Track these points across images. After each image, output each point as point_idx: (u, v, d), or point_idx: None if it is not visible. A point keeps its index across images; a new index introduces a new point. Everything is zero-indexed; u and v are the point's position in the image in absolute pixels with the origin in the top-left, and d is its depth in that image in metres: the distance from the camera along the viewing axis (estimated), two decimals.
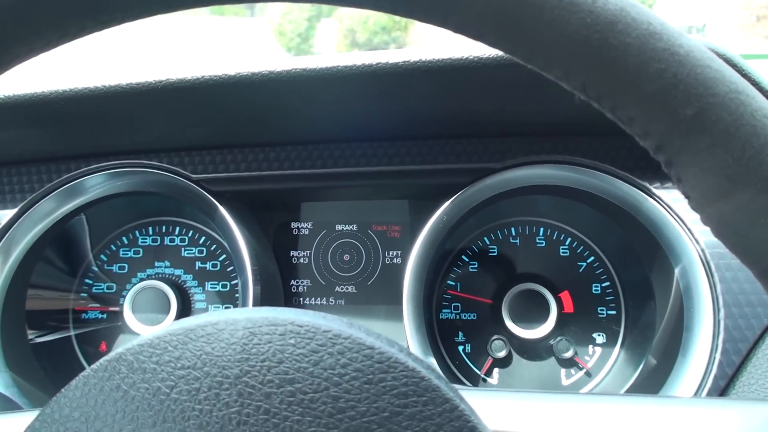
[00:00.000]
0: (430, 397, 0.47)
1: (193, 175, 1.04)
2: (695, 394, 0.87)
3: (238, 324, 0.50)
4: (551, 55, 0.42)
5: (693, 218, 0.93)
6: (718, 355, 0.87)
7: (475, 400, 0.53)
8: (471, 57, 0.83)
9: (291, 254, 1.19)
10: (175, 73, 0.88)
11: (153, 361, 0.50)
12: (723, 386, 0.86)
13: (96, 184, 1.08)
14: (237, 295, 1.16)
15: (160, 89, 0.88)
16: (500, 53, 0.81)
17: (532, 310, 1.13)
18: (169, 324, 0.52)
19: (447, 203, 1.01)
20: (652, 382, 1.00)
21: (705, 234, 0.92)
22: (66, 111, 0.92)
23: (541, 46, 0.41)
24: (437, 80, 0.86)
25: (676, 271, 0.96)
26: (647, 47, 0.40)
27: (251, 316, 0.51)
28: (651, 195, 0.97)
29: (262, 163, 1.04)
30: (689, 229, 0.93)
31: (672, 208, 0.95)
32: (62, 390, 0.51)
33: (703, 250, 0.91)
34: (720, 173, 0.41)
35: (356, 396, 0.47)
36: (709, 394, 0.86)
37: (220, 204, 1.03)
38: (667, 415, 0.52)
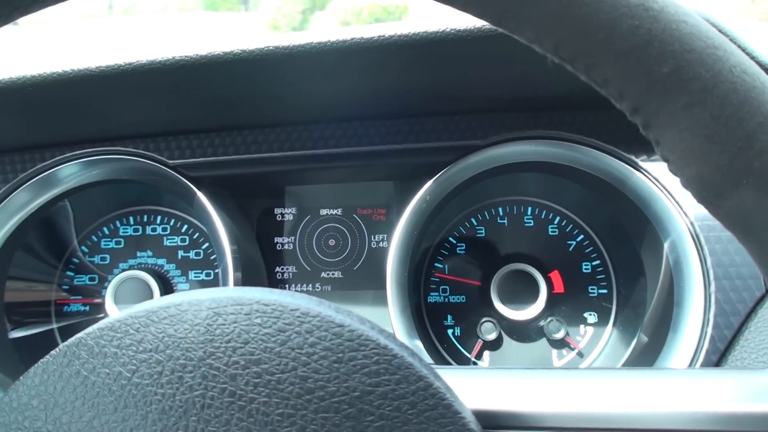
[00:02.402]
0: (403, 375, 0.45)
1: (170, 161, 1.02)
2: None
3: (202, 304, 0.48)
4: (521, 15, 0.40)
5: (681, 191, 0.91)
6: (709, 330, 0.85)
7: (459, 379, 0.51)
8: (447, 30, 0.80)
9: (275, 240, 1.17)
10: (146, 55, 0.85)
11: (114, 345, 0.48)
12: (715, 361, 0.84)
13: (72, 174, 1.06)
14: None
15: (130, 72, 0.85)
16: (478, 25, 0.80)
17: (521, 291, 1.11)
18: (131, 307, 0.50)
19: (429, 183, 0.99)
20: (643, 360, 0.98)
21: (694, 207, 0.90)
22: (35, 98, 0.90)
23: (510, 6, 0.40)
24: (414, 54, 0.84)
25: (666, 245, 0.94)
26: (620, 3, 0.38)
27: (216, 296, 0.49)
28: (638, 168, 0.94)
29: (240, 146, 1.02)
30: (677, 202, 0.91)
31: (659, 181, 0.92)
32: (20, 378, 0.49)
33: (692, 223, 0.89)
34: (699, 133, 0.39)
35: (325, 376, 0.45)
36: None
37: (199, 190, 1.01)
38: (661, 385, 0.51)
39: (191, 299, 0.49)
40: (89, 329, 0.49)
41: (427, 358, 0.95)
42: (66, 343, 0.49)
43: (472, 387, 0.52)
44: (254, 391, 0.45)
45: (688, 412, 0.48)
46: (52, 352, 0.49)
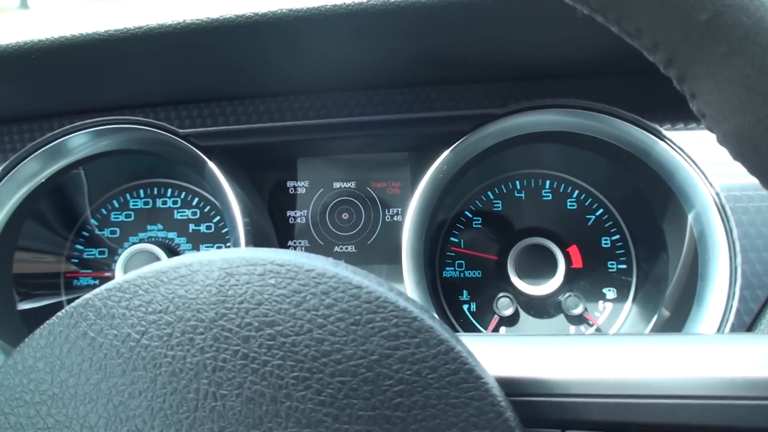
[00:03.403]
0: (423, 338, 0.43)
1: (181, 130, 1.00)
2: None
3: (214, 264, 0.46)
4: None
5: (706, 161, 0.88)
6: (735, 303, 0.83)
7: (481, 345, 0.49)
8: None
9: (287, 214, 1.15)
10: (155, 18, 0.83)
11: (122, 306, 0.46)
12: None
13: (81, 144, 1.04)
14: None
15: (139, 36, 0.83)
16: None
17: (539, 265, 1.09)
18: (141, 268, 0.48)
19: (446, 153, 0.96)
20: None
21: (720, 177, 0.87)
22: (43, 64, 0.88)
23: None
24: (432, 17, 0.81)
25: (690, 217, 0.91)
26: None
27: (228, 256, 0.47)
28: (661, 138, 0.91)
29: (251, 115, 1.00)
30: (703, 172, 0.88)
31: (684, 151, 0.90)
32: (26, 339, 0.48)
33: (717, 194, 0.86)
34: (739, 84, 0.37)
35: (342, 338, 0.43)
36: None
37: (210, 160, 0.99)
38: (688, 351, 0.48)
39: (202, 259, 0.47)
40: (97, 290, 0.48)
41: None
42: (73, 304, 0.48)
43: (494, 353, 0.50)
44: (268, 354, 0.43)
45: (717, 377, 0.46)
46: (59, 313, 0.47)
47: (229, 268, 0.46)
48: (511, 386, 0.47)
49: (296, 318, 0.44)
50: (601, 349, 0.50)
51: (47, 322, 0.47)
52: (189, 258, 0.47)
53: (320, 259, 0.47)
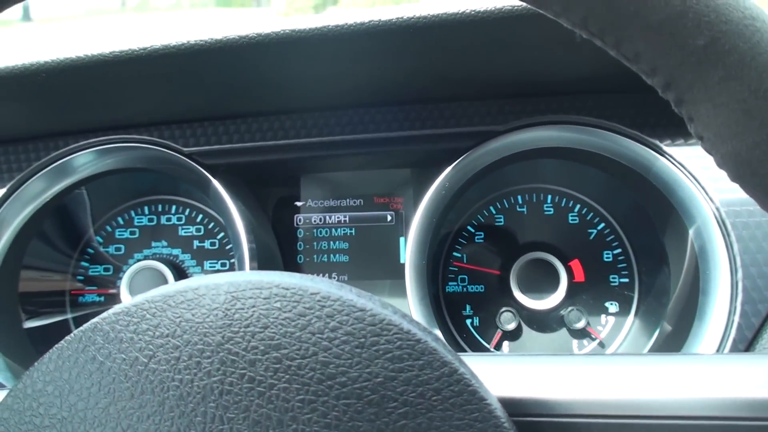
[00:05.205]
0: (426, 360, 0.44)
1: (185, 149, 1.01)
2: None
3: (220, 288, 0.47)
4: None
5: (707, 176, 0.89)
6: (736, 318, 0.83)
7: (484, 366, 0.50)
8: (467, 11, 0.78)
9: (291, 230, 1.16)
10: (160, 39, 0.84)
11: (130, 330, 0.47)
12: (743, 349, 0.82)
13: (86, 162, 1.05)
14: None
15: (144, 57, 0.84)
16: (498, 6, 0.78)
17: (541, 280, 1.09)
18: (147, 292, 0.49)
19: (448, 169, 0.97)
20: (667, 349, 0.96)
21: (720, 192, 0.88)
22: (49, 84, 0.89)
23: None
24: (432, 37, 0.82)
25: (691, 232, 0.92)
26: None
27: (234, 279, 0.47)
28: (662, 153, 0.92)
29: (255, 133, 1.01)
30: (703, 188, 0.89)
31: (684, 167, 0.90)
32: (35, 363, 0.48)
33: (718, 209, 0.87)
34: (736, 108, 0.37)
35: (347, 361, 0.44)
36: None
37: (214, 177, 1.00)
38: (690, 371, 0.49)
39: (209, 283, 0.47)
40: (104, 314, 0.48)
41: None
42: (81, 328, 0.48)
43: (496, 374, 0.50)
44: (274, 377, 0.44)
45: (719, 398, 0.46)
46: (67, 337, 0.48)
47: (236, 291, 0.47)
48: (514, 407, 0.47)
49: (301, 341, 0.44)
50: (604, 368, 0.51)
51: (56, 346, 0.48)
52: (195, 281, 0.48)
53: (325, 281, 0.47)
